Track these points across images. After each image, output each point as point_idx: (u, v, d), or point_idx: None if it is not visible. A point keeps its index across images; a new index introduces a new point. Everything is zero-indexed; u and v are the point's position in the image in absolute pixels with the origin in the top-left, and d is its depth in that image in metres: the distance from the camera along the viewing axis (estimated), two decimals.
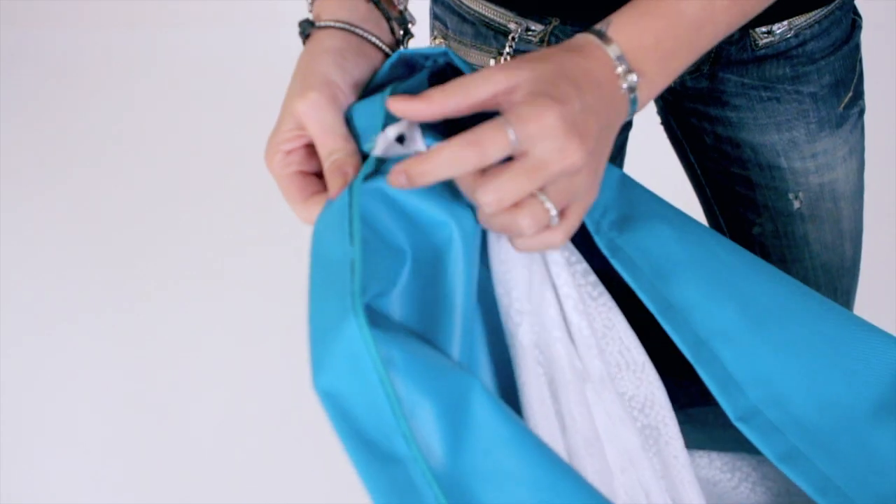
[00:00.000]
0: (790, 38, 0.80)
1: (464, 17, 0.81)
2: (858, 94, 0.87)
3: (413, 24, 0.64)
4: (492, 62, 0.81)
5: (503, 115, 0.48)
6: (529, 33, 0.79)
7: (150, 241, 2.00)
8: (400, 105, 0.49)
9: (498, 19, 0.79)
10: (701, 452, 0.64)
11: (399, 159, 0.52)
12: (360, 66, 0.58)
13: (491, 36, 0.80)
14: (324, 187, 0.55)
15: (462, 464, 0.45)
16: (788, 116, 0.83)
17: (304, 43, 0.60)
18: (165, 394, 1.68)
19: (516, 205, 0.49)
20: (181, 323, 1.81)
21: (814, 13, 0.79)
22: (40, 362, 1.77)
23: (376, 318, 0.46)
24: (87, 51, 2.59)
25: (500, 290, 0.54)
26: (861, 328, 0.57)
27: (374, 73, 0.60)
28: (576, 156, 0.48)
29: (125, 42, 2.59)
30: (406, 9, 0.64)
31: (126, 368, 1.74)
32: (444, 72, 0.59)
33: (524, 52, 0.80)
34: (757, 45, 0.80)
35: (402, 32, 0.64)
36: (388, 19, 0.62)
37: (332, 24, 0.59)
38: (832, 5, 0.80)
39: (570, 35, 0.79)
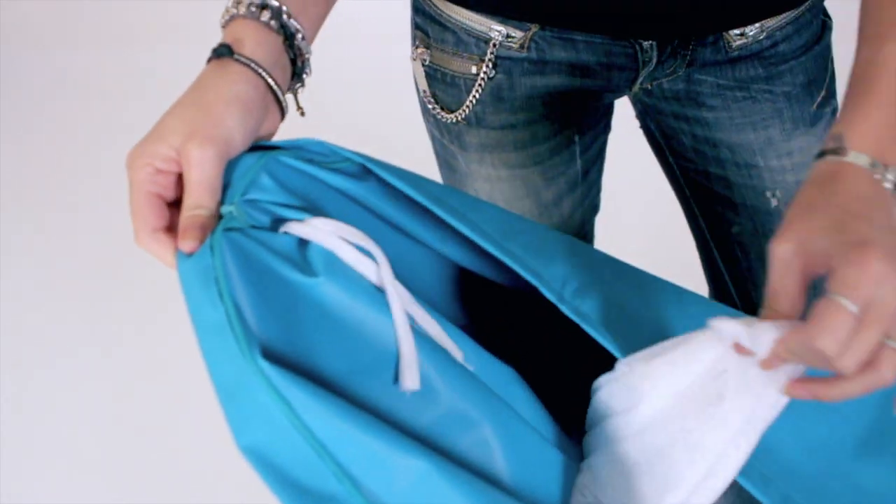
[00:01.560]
0: (762, 39, 0.82)
1: (445, 25, 0.82)
2: (831, 94, 0.89)
3: (308, 75, 0.64)
4: (473, 69, 0.82)
5: (828, 289, 0.48)
6: (510, 40, 0.80)
7: (145, 260, 2.00)
8: (801, 391, 0.50)
9: (478, 27, 0.81)
10: None
11: (271, 234, 0.52)
12: (259, 123, 0.58)
13: (472, 43, 0.82)
14: (171, 223, 0.54)
15: (394, 493, 0.46)
16: (764, 115, 0.85)
17: (210, 59, 0.58)
18: (161, 407, 1.68)
19: (870, 362, 0.48)
20: (177, 338, 1.81)
21: (784, 15, 0.81)
22: (34, 379, 1.76)
23: (275, 365, 0.47)
24: (69, 73, 2.59)
25: None
26: None
27: (261, 124, 0.58)
28: None
29: (112, 63, 2.59)
30: (308, 60, 0.63)
31: (121, 383, 1.74)
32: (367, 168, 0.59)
33: (505, 58, 0.82)
34: (731, 46, 0.82)
35: (295, 81, 0.63)
36: (294, 68, 0.62)
37: (251, 64, 0.58)
38: (801, 8, 0.82)
39: (549, 41, 0.81)
